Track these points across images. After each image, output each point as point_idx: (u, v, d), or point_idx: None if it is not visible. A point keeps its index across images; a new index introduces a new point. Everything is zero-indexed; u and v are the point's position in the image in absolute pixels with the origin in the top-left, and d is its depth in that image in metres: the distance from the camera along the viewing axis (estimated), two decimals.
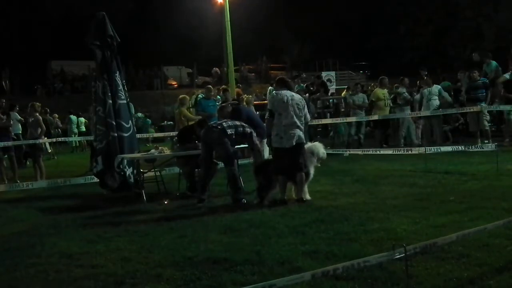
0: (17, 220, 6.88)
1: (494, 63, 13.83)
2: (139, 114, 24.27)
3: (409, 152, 10.77)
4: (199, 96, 13.62)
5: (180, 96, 12.17)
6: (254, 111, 11.04)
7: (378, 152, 11.57)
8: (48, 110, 19.88)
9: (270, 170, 6.99)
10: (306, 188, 6.99)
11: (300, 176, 6.85)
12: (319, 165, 7.32)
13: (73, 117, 21.86)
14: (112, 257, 4.74)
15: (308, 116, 7.35)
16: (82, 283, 4.12)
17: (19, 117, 13.36)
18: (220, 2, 30.78)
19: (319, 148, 7.26)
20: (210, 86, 14.18)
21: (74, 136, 20.79)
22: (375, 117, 13.05)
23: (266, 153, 7.85)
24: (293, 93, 7.19)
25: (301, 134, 6.96)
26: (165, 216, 6.55)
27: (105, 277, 4.17)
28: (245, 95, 16.23)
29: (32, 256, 4.96)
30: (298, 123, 6.92)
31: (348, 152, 12.35)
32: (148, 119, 25.74)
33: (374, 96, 13.59)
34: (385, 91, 13.62)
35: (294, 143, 6.84)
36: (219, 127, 7.20)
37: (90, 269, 4.42)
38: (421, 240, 4.20)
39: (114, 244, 5.21)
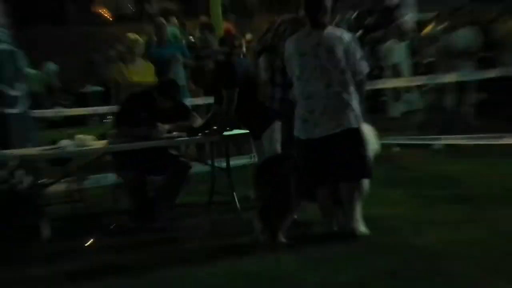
0: None
1: None
2: (51, 67, 15.12)
3: None
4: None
5: (130, 37, 6.17)
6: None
7: None
8: None
9: (285, 175, 3.80)
10: (358, 213, 3.85)
11: (355, 188, 3.76)
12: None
13: None
14: None
15: (363, 66, 3.83)
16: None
17: None
18: None
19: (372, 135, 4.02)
20: (164, 22, 7.41)
21: None
22: None
23: (278, 144, 4.55)
24: (321, 33, 3.75)
25: (353, 108, 3.70)
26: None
27: None
28: (247, 34, 9.95)
29: None
30: (338, 88, 3.67)
31: None
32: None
33: None
34: None
35: (333, 131, 3.67)
36: None
37: None
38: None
39: None
